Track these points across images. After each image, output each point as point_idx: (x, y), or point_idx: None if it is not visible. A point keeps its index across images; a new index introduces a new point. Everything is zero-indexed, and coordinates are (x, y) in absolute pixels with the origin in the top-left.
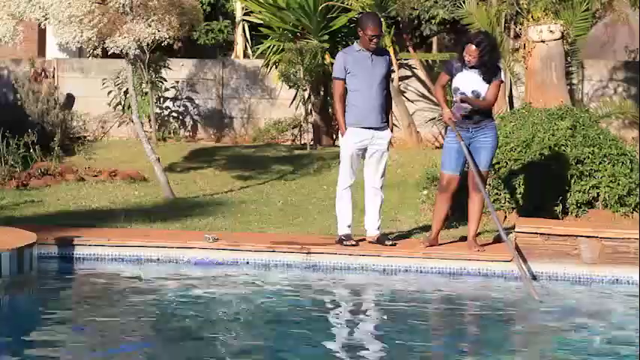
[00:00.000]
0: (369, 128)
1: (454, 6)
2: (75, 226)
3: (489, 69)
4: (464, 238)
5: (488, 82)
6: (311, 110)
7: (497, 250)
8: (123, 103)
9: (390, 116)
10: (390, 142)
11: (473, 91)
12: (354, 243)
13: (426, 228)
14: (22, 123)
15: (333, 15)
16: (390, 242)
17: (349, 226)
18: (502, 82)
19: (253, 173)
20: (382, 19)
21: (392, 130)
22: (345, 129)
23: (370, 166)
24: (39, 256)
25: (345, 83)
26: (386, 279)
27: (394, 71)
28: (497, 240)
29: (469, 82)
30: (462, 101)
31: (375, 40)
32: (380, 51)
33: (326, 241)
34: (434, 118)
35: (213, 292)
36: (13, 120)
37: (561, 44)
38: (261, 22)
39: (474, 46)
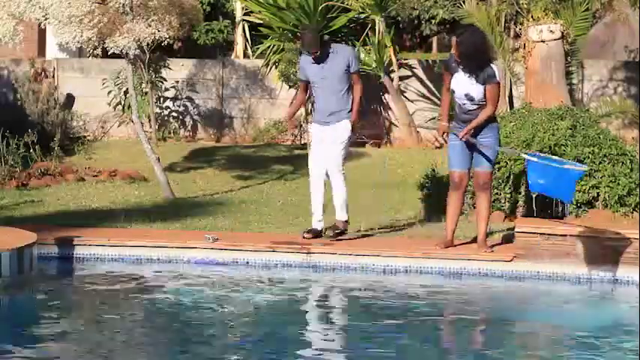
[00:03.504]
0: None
1: (454, 6)
2: (75, 226)
3: (473, 66)
4: (475, 240)
5: (481, 83)
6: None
7: (498, 250)
8: (123, 103)
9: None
10: (350, 132)
11: (466, 94)
12: (308, 237)
13: (427, 228)
14: (22, 123)
15: (333, 15)
16: (332, 234)
17: (320, 221)
18: (498, 83)
19: (253, 173)
20: (316, 31)
21: (356, 121)
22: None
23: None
24: (39, 256)
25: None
26: (386, 279)
27: (362, 61)
28: (505, 240)
29: (462, 85)
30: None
31: (314, 54)
32: (334, 54)
33: (326, 241)
34: (434, 118)
35: (213, 292)
36: (13, 120)
37: (561, 44)
38: (261, 22)
39: (454, 38)
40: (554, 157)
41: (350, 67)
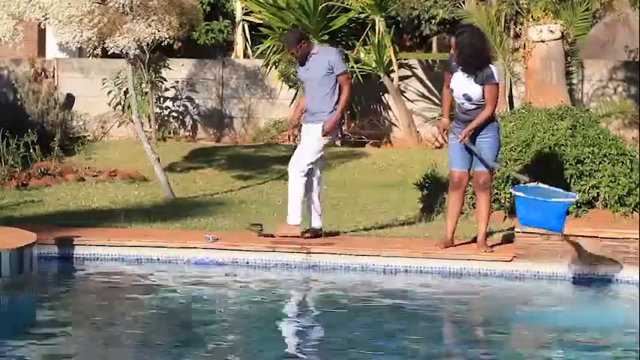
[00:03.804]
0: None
1: (454, 6)
2: (75, 226)
3: (472, 66)
4: (475, 240)
5: (480, 84)
6: None
7: (498, 250)
8: (123, 103)
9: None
10: (325, 130)
11: (464, 94)
12: (307, 237)
13: (427, 228)
14: (22, 123)
15: (333, 15)
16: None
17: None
18: (497, 84)
19: (253, 173)
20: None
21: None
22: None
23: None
24: (39, 256)
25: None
26: (386, 279)
27: (352, 61)
28: (505, 240)
29: (461, 84)
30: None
31: (292, 55)
32: (316, 56)
33: (326, 241)
34: (434, 118)
35: (213, 292)
36: (13, 120)
37: (561, 44)
38: (261, 22)
39: (453, 38)
40: (543, 185)
41: (333, 69)
